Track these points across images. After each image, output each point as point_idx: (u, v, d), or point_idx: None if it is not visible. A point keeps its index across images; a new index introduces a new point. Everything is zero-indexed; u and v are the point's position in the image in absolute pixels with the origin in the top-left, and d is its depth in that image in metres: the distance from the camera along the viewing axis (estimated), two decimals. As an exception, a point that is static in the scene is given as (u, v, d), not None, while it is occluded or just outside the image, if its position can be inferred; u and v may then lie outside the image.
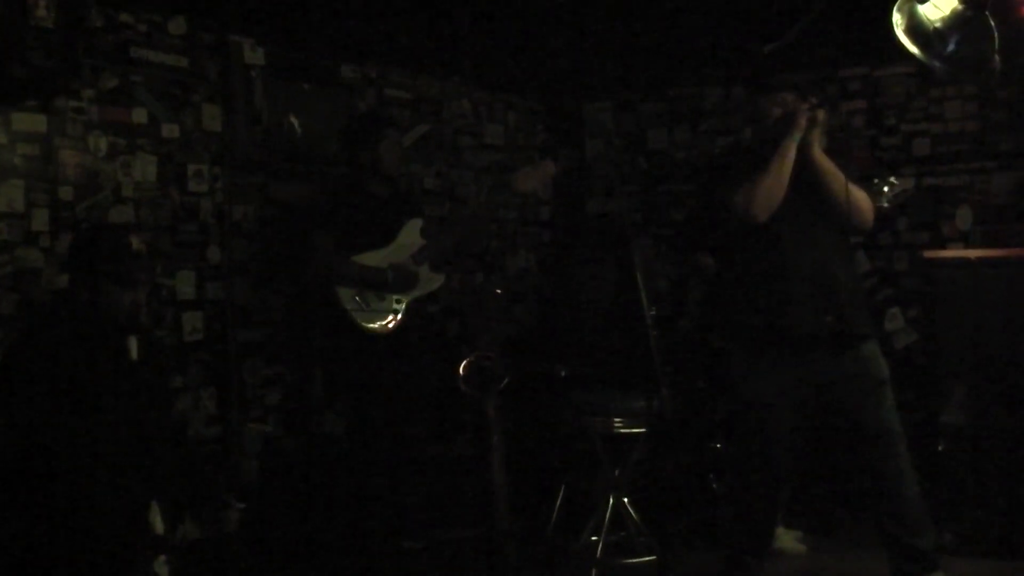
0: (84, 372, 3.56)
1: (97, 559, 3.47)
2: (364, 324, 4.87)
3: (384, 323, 4.93)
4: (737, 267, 4.37)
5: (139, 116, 4.93)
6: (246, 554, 4.88)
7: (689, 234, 5.61)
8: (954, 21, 3.39)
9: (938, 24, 3.41)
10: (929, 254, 5.75)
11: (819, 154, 4.15)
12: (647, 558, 4.84)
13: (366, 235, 4.96)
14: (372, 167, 5.02)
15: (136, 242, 3.78)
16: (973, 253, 5.56)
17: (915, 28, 3.44)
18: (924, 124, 6.33)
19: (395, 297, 4.97)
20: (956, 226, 6.20)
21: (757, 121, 4.36)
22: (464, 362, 5.02)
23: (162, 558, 3.65)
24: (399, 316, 4.97)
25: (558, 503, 5.41)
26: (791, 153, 4.11)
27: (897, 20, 3.44)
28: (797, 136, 4.12)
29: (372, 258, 4.94)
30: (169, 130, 5.05)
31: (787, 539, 5.11)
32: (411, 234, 5.10)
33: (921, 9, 3.42)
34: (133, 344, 3.69)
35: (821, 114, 4.10)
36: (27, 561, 3.40)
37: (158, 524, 3.65)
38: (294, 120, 5.54)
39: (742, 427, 4.35)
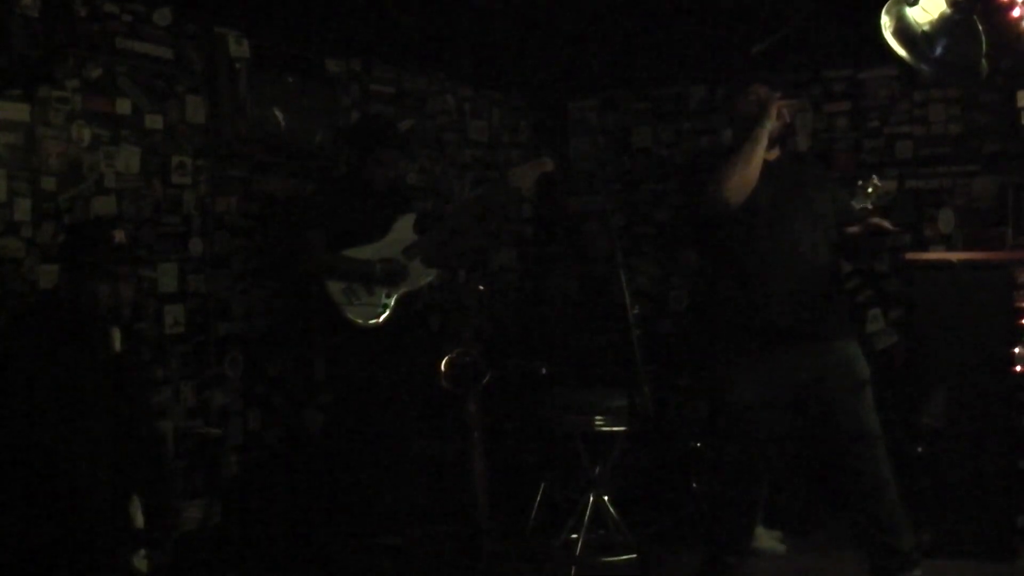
0: (66, 366, 3.54)
1: (77, 552, 3.45)
2: (352, 318, 4.86)
3: (373, 317, 4.92)
4: (718, 264, 4.38)
5: (123, 107, 4.90)
6: (224, 548, 4.87)
7: (673, 232, 5.61)
8: (942, 24, 3.41)
9: (926, 27, 3.43)
10: (911, 256, 5.75)
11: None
12: (627, 556, 4.84)
13: (359, 231, 4.98)
14: (368, 170, 5.05)
15: (120, 235, 3.74)
16: (955, 256, 5.55)
17: (903, 31, 3.46)
18: (907, 126, 6.35)
19: (385, 291, 4.96)
20: (938, 228, 6.21)
21: (734, 119, 4.38)
22: (446, 359, 5.02)
23: (141, 552, 3.63)
24: (388, 311, 4.96)
25: (538, 500, 5.41)
26: (762, 139, 4.13)
27: (886, 22, 3.46)
28: (768, 124, 4.14)
29: (363, 252, 4.96)
30: (153, 121, 5.02)
31: (767, 539, 5.12)
32: (404, 229, 5.11)
33: (910, 12, 3.44)
34: (116, 336, 3.67)
35: (799, 106, 4.10)
36: (7, 554, 3.39)
37: (138, 518, 3.63)
38: (278, 113, 5.52)
39: (722, 426, 4.36)
